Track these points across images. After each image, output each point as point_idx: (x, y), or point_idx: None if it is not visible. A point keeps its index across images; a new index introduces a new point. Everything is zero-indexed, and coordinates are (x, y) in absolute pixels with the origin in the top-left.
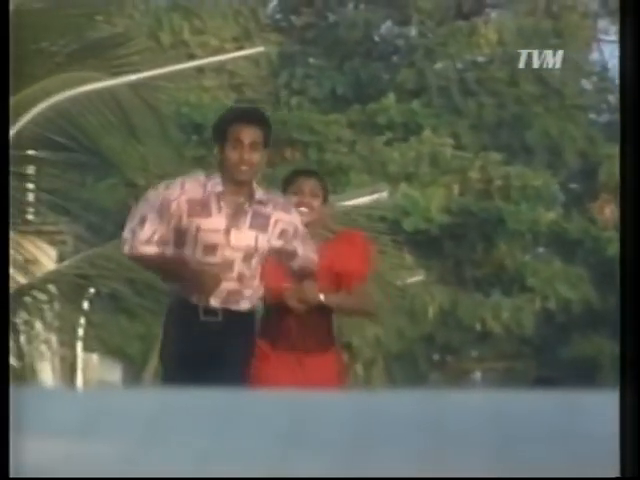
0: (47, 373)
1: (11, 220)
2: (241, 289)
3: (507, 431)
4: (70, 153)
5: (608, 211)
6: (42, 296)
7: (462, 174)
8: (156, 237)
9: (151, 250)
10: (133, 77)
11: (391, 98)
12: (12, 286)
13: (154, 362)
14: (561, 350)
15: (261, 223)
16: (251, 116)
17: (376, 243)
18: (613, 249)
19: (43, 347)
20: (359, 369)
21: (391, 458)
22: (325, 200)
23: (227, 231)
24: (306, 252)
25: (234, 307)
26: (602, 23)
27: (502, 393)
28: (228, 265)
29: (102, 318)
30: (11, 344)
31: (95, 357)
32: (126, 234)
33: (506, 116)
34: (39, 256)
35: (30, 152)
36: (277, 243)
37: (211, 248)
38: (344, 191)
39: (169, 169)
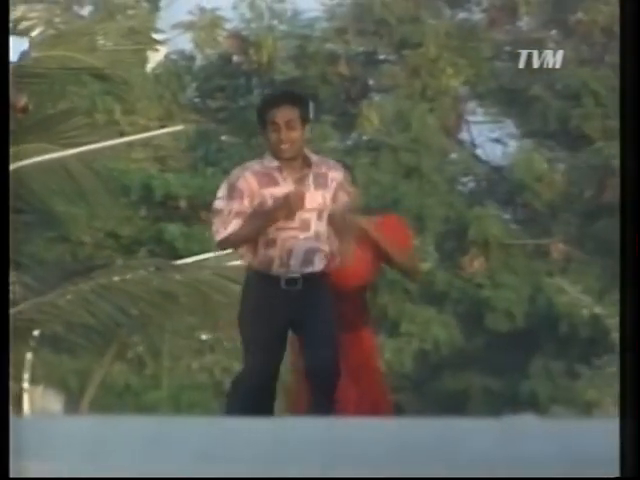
0: None
1: None
2: (319, 246)
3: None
4: (20, 214)
5: (477, 264)
6: None
7: None
8: (232, 215)
9: (231, 227)
10: (76, 150)
11: None
12: None
13: (91, 393)
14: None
15: (322, 182)
16: (282, 98)
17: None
18: (481, 295)
19: None
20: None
21: None
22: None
23: (299, 195)
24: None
25: (311, 268)
26: (471, 105)
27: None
28: (306, 226)
29: (46, 355)
30: None
31: (40, 389)
32: (213, 232)
33: (373, 195)
34: None
35: None
36: (334, 199)
37: (289, 214)
38: None
39: (107, 225)
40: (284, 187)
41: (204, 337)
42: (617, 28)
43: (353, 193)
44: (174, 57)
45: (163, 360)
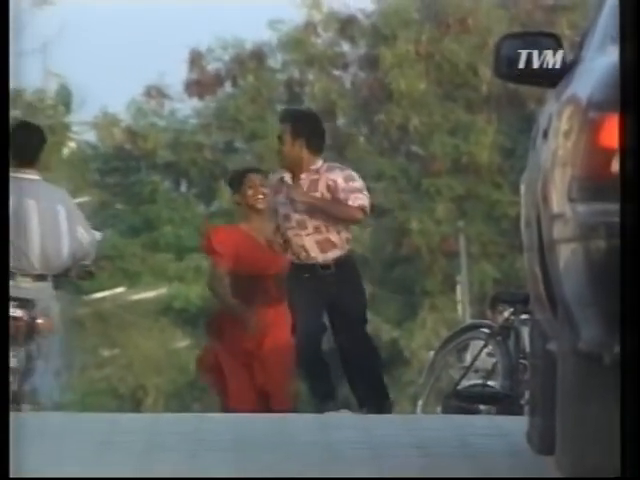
0: None
1: None
2: (325, 237)
3: None
4: None
5: None
6: None
7: None
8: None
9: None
10: None
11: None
12: None
13: None
14: None
15: (313, 186)
16: (280, 115)
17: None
18: None
19: None
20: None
21: None
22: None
23: (292, 200)
24: (346, 196)
25: (333, 254)
26: None
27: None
28: (303, 224)
29: None
30: None
31: None
32: None
33: None
34: None
35: None
36: (327, 196)
37: (286, 216)
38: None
39: None
40: (282, 195)
41: (105, 354)
42: (410, 125)
43: (346, 186)
44: (83, 147)
45: (74, 371)
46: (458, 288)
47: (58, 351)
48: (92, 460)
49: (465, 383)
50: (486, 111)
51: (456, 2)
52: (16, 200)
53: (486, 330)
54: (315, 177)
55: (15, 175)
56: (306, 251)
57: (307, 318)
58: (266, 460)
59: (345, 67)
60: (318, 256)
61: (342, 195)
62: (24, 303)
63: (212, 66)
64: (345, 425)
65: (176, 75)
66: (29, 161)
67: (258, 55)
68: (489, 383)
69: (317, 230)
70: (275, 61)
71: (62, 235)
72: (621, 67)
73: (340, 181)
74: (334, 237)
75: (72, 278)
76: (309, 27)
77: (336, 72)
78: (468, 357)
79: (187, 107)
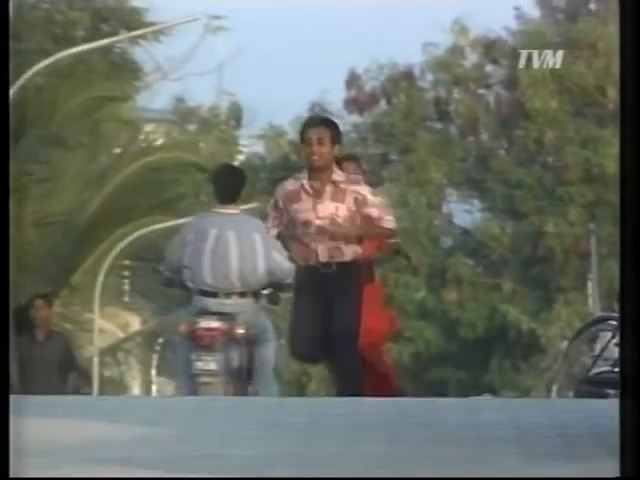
0: (133, 388)
1: (113, 301)
2: (337, 245)
3: None
4: (149, 263)
5: (452, 294)
6: (132, 344)
7: None
8: (270, 224)
9: (273, 233)
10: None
11: None
12: (114, 339)
13: None
14: None
15: (339, 196)
16: (316, 120)
17: None
18: (455, 314)
19: (133, 371)
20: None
21: None
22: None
23: (314, 207)
24: (380, 215)
25: (339, 260)
26: (448, 190)
27: None
28: (322, 231)
29: (167, 355)
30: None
31: (163, 379)
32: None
33: None
34: (130, 321)
35: (127, 262)
36: (353, 208)
37: (306, 223)
38: None
39: None
40: (305, 202)
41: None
42: (546, 139)
43: (376, 201)
44: (251, 157)
45: None
46: (589, 284)
47: (271, 354)
48: (261, 440)
49: (595, 370)
50: (613, 126)
51: (589, 28)
52: (218, 232)
53: (614, 322)
54: (341, 187)
55: (219, 211)
56: (316, 256)
57: (306, 319)
58: (419, 439)
59: (488, 86)
60: (325, 260)
61: (373, 211)
62: (223, 317)
63: (369, 85)
64: (488, 408)
65: (337, 93)
66: (231, 199)
67: (409, 76)
68: (617, 370)
69: (332, 238)
70: (425, 81)
71: (258, 258)
72: (621, 68)
73: (368, 195)
74: (344, 246)
75: (280, 292)
76: (456, 50)
77: (480, 91)
78: (598, 347)
79: (346, 122)
